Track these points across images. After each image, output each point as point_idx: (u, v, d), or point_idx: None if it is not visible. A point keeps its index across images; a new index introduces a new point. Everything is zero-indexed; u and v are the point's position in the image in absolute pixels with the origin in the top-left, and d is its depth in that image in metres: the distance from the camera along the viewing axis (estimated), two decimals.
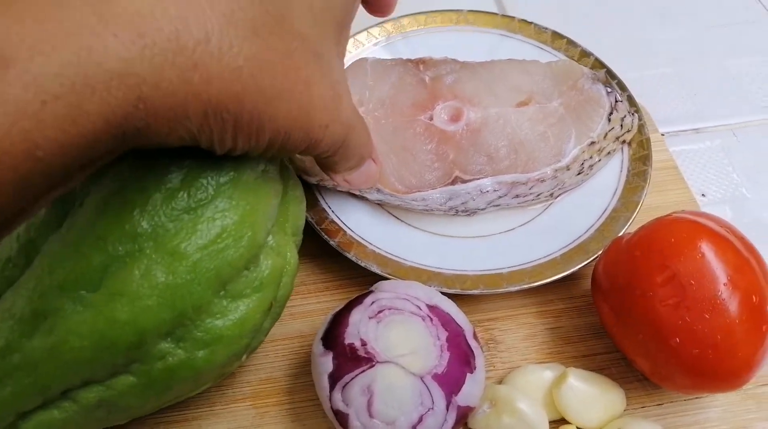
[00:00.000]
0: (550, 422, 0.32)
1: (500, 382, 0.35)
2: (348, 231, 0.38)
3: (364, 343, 0.31)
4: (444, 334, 0.31)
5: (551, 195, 0.39)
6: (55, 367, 0.27)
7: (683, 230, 0.31)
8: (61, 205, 0.29)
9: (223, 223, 0.29)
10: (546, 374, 0.34)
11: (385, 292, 0.33)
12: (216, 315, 0.29)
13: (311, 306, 0.38)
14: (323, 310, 0.38)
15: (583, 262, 0.35)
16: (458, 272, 0.36)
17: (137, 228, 0.28)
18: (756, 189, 0.44)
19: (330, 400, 0.31)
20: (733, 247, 0.30)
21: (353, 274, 0.39)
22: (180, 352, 0.29)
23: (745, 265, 0.30)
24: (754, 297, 0.29)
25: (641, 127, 0.40)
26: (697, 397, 0.34)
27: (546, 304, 0.37)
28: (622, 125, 0.39)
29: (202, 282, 0.28)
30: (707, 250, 0.29)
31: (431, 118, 0.40)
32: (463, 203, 0.38)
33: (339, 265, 0.40)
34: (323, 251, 0.40)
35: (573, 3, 0.56)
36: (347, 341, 0.31)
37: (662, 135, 0.45)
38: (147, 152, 0.28)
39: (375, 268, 0.36)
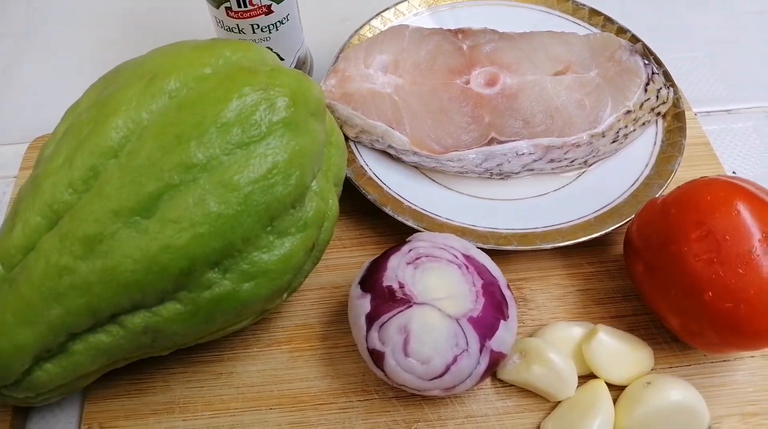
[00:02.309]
0: (579, 377, 0.33)
1: (530, 337, 0.35)
2: (385, 187, 0.39)
3: (401, 286, 0.32)
4: (479, 282, 0.32)
5: (585, 162, 0.40)
6: (107, 289, 0.28)
7: (719, 189, 0.31)
8: (121, 135, 0.30)
9: (274, 159, 0.30)
10: (575, 331, 0.34)
11: (422, 241, 0.34)
12: (262, 249, 0.31)
13: (345, 259, 0.39)
14: (356, 264, 0.39)
15: (617, 224, 0.36)
16: (491, 229, 0.37)
17: (193, 159, 0.29)
18: None
19: (366, 339, 0.31)
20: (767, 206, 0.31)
21: (386, 232, 0.40)
22: (226, 282, 0.30)
23: None
24: None
25: (676, 101, 0.41)
26: (724, 360, 0.34)
27: (576, 267, 0.38)
28: (657, 97, 0.40)
29: (252, 214, 0.29)
30: (742, 207, 0.30)
31: (467, 83, 0.41)
32: (498, 165, 0.39)
33: (372, 222, 0.41)
34: (358, 208, 0.41)
35: None
36: (385, 283, 0.32)
37: (695, 114, 0.45)
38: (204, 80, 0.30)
39: (411, 223, 0.37)
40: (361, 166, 0.40)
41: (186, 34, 0.55)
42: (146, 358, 0.35)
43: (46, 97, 0.52)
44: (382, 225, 0.40)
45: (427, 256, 0.33)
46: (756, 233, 0.29)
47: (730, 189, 0.31)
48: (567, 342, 0.34)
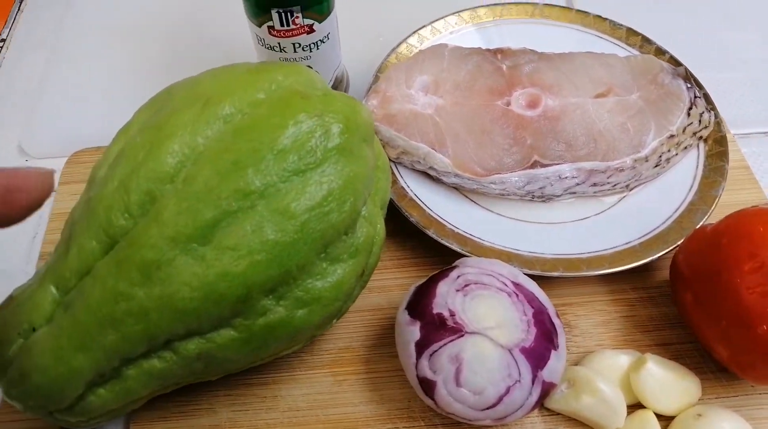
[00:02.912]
0: (626, 407, 0.33)
1: (575, 365, 0.35)
2: (426, 209, 0.39)
3: (452, 314, 0.32)
4: (530, 310, 0.32)
5: (627, 186, 0.39)
6: (164, 315, 0.28)
7: None
8: (177, 160, 0.30)
9: (329, 186, 0.30)
10: (622, 359, 0.34)
11: (469, 268, 0.34)
12: (316, 276, 0.31)
13: (388, 281, 0.39)
14: (399, 286, 0.39)
15: (662, 251, 0.36)
16: (536, 255, 0.37)
17: (250, 186, 0.29)
18: None
19: (416, 367, 0.31)
20: None
21: (427, 254, 0.40)
22: (280, 309, 0.30)
23: None
24: None
25: (717, 125, 0.41)
26: None
27: (620, 293, 0.38)
28: (700, 121, 0.40)
29: (308, 242, 0.29)
30: None
31: (508, 104, 0.41)
32: (540, 188, 0.39)
33: (413, 244, 0.41)
34: (399, 230, 0.41)
35: (642, 4, 0.57)
36: (435, 311, 0.32)
37: (734, 136, 0.45)
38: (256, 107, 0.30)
39: (455, 247, 0.37)
40: (403, 187, 0.40)
41: (224, 51, 0.55)
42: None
43: (82, 111, 0.52)
44: (423, 247, 0.40)
45: (476, 284, 0.33)
46: None
47: None
48: (613, 370, 0.34)
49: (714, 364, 0.35)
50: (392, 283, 0.39)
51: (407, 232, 0.40)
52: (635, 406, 0.33)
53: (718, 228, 0.33)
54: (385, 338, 0.37)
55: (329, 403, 0.35)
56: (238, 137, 0.30)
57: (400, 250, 0.41)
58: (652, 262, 0.38)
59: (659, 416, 0.33)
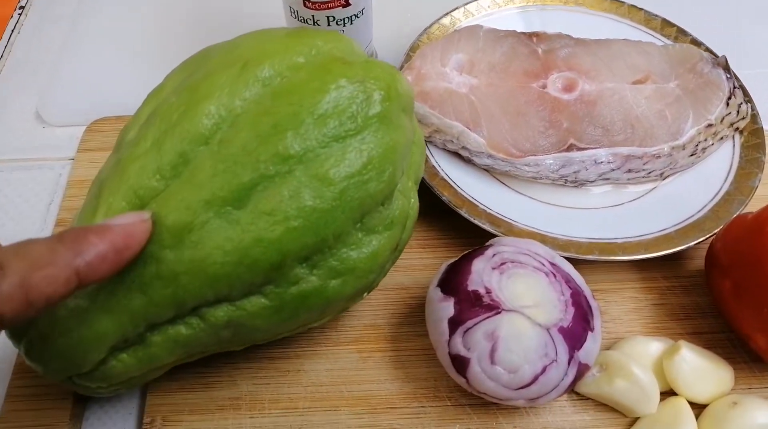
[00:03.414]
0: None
1: (607, 350, 0.35)
2: (458, 189, 0.38)
3: (488, 291, 0.31)
4: (568, 291, 0.31)
5: (661, 175, 0.39)
6: (194, 280, 0.28)
7: None
8: (213, 121, 0.29)
9: (369, 154, 0.29)
10: (654, 346, 0.34)
11: (505, 246, 0.33)
12: (351, 246, 0.30)
13: (413, 261, 0.39)
14: (426, 266, 0.38)
15: (698, 238, 0.35)
16: (571, 238, 0.36)
17: (290, 150, 0.28)
18: None
19: (449, 344, 0.31)
20: None
21: (457, 235, 0.40)
22: (314, 278, 0.29)
23: None
24: None
25: (754, 117, 0.40)
26: None
27: (651, 281, 0.37)
28: (738, 111, 0.39)
29: (346, 210, 0.29)
30: None
31: (544, 86, 0.40)
32: (574, 172, 0.38)
33: (441, 225, 0.40)
34: (427, 210, 0.40)
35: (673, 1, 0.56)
36: (471, 288, 0.31)
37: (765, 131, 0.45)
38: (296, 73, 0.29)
39: (488, 227, 0.36)
40: (434, 167, 0.39)
41: (251, 23, 0.54)
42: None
43: (102, 79, 0.51)
44: (452, 228, 0.40)
45: (512, 262, 0.32)
46: None
47: None
48: (645, 357, 0.33)
49: (747, 355, 0.34)
50: (418, 262, 0.39)
51: (435, 212, 0.40)
52: (667, 394, 0.33)
53: (760, 216, 0.32)
54: (410, 317, 0.36)
55: (353, 380, 0.34)
56: (277, 100, 0.29)
57: (427, 230, 0.40)
58: (684, 251, 0.37)
59: (692, 404, 0.32)
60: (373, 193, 0.29)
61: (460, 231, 0.39)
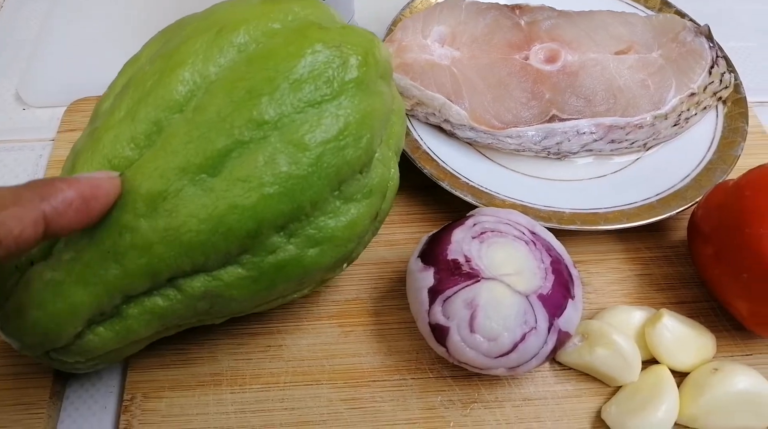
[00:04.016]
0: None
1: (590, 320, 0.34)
2: (440, 162, 0.38)
3: (468, 260, 0.31)
4: (548, 259, 0.31)
5: (644, 145, 0.39)
6: (169, 249, 0.27)
7: None
8: (187, 88, 0.28)
9: (346, 120, 0.29)
10: (636, 315, 0.34)
11: (486, 216, 0.33)
12: (329, 214, 0.29)
13: (397, 235, 0.38)
14: (408, 241, 0.38)
15: (681, 207, 0.35)
16: (553, 209, 0.36)
17: (264, 115, 0.28)
18: None
19: (429, 314, 0.30)
20: None
21: (439, 209, 0.39)
22: (291, 247, 0.29)
23: None
24: None
25: (737, 87, 0.40)
26: None
27: (634, 252, 0.37)
28: (721, 80, 0.39)
29: (322, 176, 0.28)
30: None
31: (527, 58, 0.40)
32: (557, 144, 0.38)
33: (423, 199, 0.40)
34: (409, 185, 0.40)
35: None
36: (450, 257, 0.31)
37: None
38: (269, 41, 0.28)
39: (469, 199, 0.36)
40: (416, 140, 0.39)
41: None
42: (194, 327, 0.34)
43: (82, 60, 0.50)
44: (434, 202, 0.39)
45: (492, 231, 0.32)
46: None
47: None
48: (627, 326, 0.33)
49: (729, 323, 0.34)
50: (401, 237, 0.38)
51: (417, 186, 0.39)
52: (649, 363, 0.32)
53: (740, 182, 0.32)
54: (393, 291, 0.36)
55: (335, 354, 0.34)
56: (252, 66, 0.28)
57: (409, 204, 0.39)
58: (667, 222, 0.37)
59: (674, 373, 0.32)
60: (350, 159, 0.29)
61: (442, 205, 0.39)
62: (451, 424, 0.31)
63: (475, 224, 0.32)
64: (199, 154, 0.27)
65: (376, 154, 0.31)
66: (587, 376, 0.33)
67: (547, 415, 0.32)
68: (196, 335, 0.34)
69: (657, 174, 0.38)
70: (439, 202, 0.39)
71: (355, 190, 0.30)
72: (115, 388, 0.34)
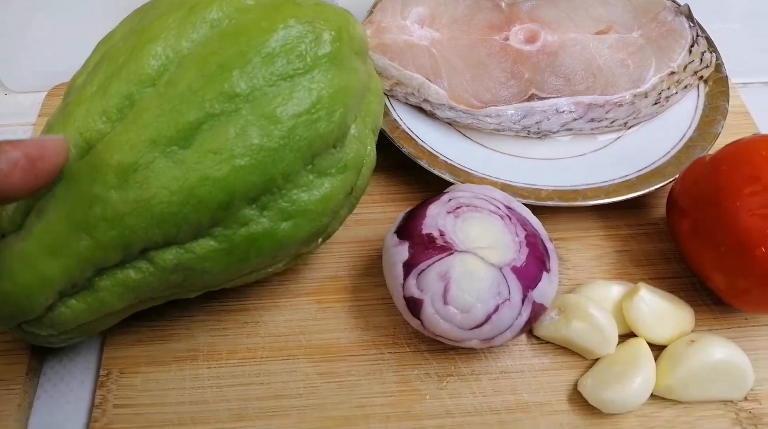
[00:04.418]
0: (618, 336, 0.32)
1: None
2: (419, 141, 0.38)
3: (442, 234, 0.31)
4: (522, 232, 0.31)
5: (625, 124, 0.39)
6: (140, 221, 0.27)
7: None
8: (159, 62, 0.28)
9: (318, 93, 0.29)
10: (614, 289, 0.34)
11: (462, 192, 0.33)
12: (302, 187, 0.29)
13: (376, 214, 0.38)
14: (388, 220, 0.38)
15: (660, 183, 0.35)
16: (531, 186, 0.36)
17: (236, 88, 0.28)
18: None
19: (403, 287, 0.30)
20: None
21: (419, 188, 0.39)
22: (264, 220, 0.29)
23: None
24: None
25: (718, 66, 0.40)
26: (765, 324, 0.33)
27: (614, 229, 0.37)
28: (701, 59, 0.39)
29: (294, 149, 0.28)
30: None
31: (507, 39, 0.40)
32: (536, 123, 0.38)
33: (404, 178, 0.40)
34: (390, 164, 0.40)
35: None
36: (425, 231, 0.31)
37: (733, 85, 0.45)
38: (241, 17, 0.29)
39: (447, 176, 0.36)
40: (395, 120, 0.39)
41: None
42: (169, 303, 0.34)
43: (64, 45, 0.50)
44: (415, 181, 0.39)
45: (468, 206, 0.32)
46: None
47: None
48: (606, 300, 0.33)
49: (709, 297, 0.34)
50: (381, 216, 0.38)
51: (398, 166, 0.39)
52: (627, 336, 0.32)
53: (717, 156, 0.32)
54: (371, 268, 0.36)
55: (312, 329, 0.34)
56: (224, 41, 0.28)
57: (390, 184, 0.40)
58: (647, 199, 0.37)
59: (651, 346, 0.32)
60: (323, 133, 0.29)
61: (422, 184, 0.39)
62: (427, 396, 0.31)
63: (450, 199, 0.32)
64: (171, 126, 0.27)
65: (352, 131, 0.31)
66: (565, 349, 0.33)
67: (523, 387, 0.31)
68: (172, 312, 0.34)
69: (637, 153, 0.38)
70: (420, 182, 0.39)
71: (329, 164, 0.30)
72: (92, 364, 0.34)
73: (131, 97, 0.28)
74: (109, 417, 0.31)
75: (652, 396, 0.31)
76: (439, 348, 0.33)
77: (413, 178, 0.39)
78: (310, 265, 0.36)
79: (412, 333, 0.33)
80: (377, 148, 0.36)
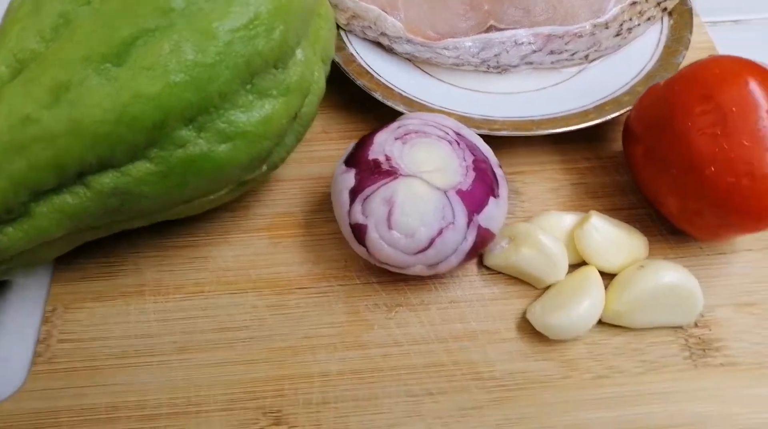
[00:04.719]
0: (570, 266, 0.32)
1: None
2: (375, 75, 0.37)
3: (388, 159, 0.30)
4: (470, 158, 0.30)
5: (586, 57, 0.38)
6: (74, 141, 0.26)
7: (728, 64, 0.29)
8: None
9: (257, 9, 0.28)
10: (567, 219, 0.33)
11: (412, 119, 0.32)
12: (241, 107, 0.29)
13: (331, 152, 0.38)
14: (341, 156, 0.37)
15: (615, 112, 0.34)
16: (486, 117, 0.35)
17: (171, 3, 0.27)
18: None
19: (349, 214, 0.30)
20: None
21: (375, 126, 0.38)
22: (201, 142, 0.28)
23: None
24: None
25: None
26: (720, 253, 0.33)
27: (572, 163, 0.36)
28: None
29: (231, 66, 0.27)
30: (752, 80, 0.28)
31: None
32: (495, 56, 0.37)
33: (361, 115, 0.39)
34: (347, 101, 0.39)
35: None
36: (371, 157, 0.30)
37: (702, 22, 0.44)
38: None
39: (401, 108, 0.35)
40: (351, 54, 0.38)
41: None
42: (116, 238, 0.33)
43: None
44: (371, 118, 0.38)
45: (417, 133, 0.31)
46: (764, 104, 0.28)
47: (740, 63, 0.29)
48: (559, 230, 0.33)
49: (664, 228, 0.34)
50: (336, 153, 0.38)
51: (353, 103, 0.39)
52: (579, 265, 0.32)
53: (670, 79, 0.31)
54: (324, 204, 0.35)
55: (262, 264, 0.33)
56: None
57: (346, 122, 0.39)
58: (605, 132, 0.36)
59: (604, 276, 0.31)
60: (261, 50, 0.28)
61: (378, 120, 0.38)
62: (375, 326, 0.31)
63: (399, 127, 0.31)
64: (103, 42, 0.26)
65: (298, 55, 0.30)
66: (516, 279, 0.32)
67: (472, 316, 0.31)
68: (120, 247, 0.34)
69: (598, 85, 0.37)
70: (377, 118, 0.38)
71: (270, 85, 0.29)
72: (40, 301, 0.33)
73: (66, 16, 0.28)
74: (53, 351, 0.31)
75: (602, 323, 0.30)
76: (390, 279, 0.32)
77: (370, 115, 0.38)
78: (262, 201, 0.36)
79: (363, 265, 0.33)
80: (333, 86, 0.36)
